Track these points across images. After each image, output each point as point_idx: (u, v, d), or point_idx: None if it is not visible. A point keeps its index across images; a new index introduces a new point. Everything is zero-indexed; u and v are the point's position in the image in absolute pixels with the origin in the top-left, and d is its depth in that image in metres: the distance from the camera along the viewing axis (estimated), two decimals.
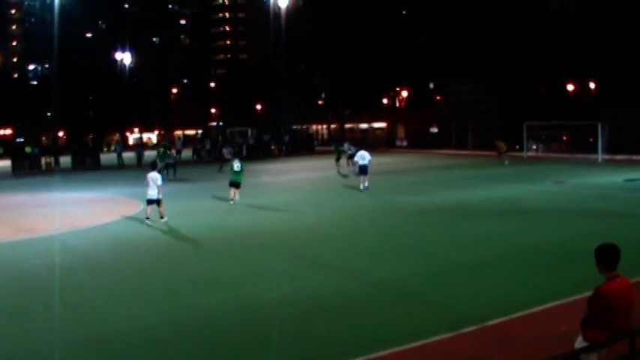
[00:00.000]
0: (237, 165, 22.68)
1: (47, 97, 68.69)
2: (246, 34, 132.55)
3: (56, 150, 51.63)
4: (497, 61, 50.28)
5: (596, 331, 5.50)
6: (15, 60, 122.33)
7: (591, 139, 40.54)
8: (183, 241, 16.29)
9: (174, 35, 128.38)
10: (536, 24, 50.25)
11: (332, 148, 43.65)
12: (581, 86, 54.80)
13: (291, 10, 64.61)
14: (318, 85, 75.09)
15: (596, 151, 38.77)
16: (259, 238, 16.13)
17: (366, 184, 25.29)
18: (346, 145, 37.57)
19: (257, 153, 53.96)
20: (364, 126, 78.32)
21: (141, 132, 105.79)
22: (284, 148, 59.77)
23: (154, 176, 18.39)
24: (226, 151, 38.95)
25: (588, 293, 5.73)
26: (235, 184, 22.55)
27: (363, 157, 25.74)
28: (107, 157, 53.73)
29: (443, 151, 52.88)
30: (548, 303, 9.44)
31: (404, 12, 74.77)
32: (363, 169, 25.53)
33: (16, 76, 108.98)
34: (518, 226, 16.73)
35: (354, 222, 18.71)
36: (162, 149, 37.31)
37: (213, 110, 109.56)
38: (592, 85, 53.96)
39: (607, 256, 5.57)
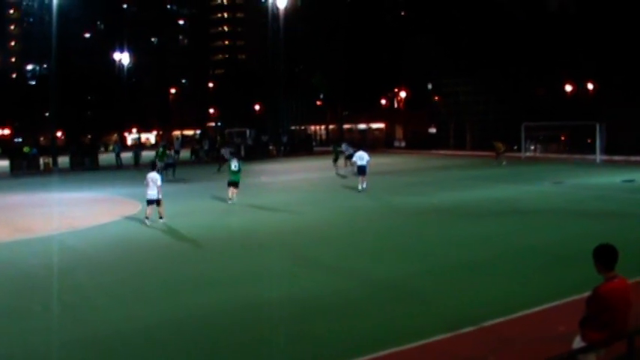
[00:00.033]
0: (234, 164, 22.74)
1: (45, 97, 68.66)
2: (245, 34, 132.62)
3: (54, 150, 51.56)
4: (496, 61, 50.32)
5: (594, 331, 5.52)
6: (13, 60, 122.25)
7: (589, 140, 40.62)
8: (183, 241, 16.30)
9: (173, 35, 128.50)
10: (534, 25, 50.29)
11: (330, 148, 43.60)
12: (580, 87, 54.82)
13: (290, 11, 64.59)
14: (317, 85, 75.11)
15: (594, 152, 38.83)
16: (259, 238, 16.15)
17: (365, 184, 25.30)
18: (344, 146, 37.56)
19: (255, 153, 53.97)
20: (362, 126, 78.36)
21: (139, 132, 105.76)
22: (282, 148, 59.75)
23: (154, 176, 18.42)
24: (225, 151, 38.95)
25: (587, 293, 5.75)
26: (234, 184, 22.62)
27: (361, 157, 25.75)
28: (105, 158, 53.67)
29: (441, 152, 52.91)
30: (546, 303, 9.46)
31: (402, 13, 74.80)
32: (362, 170, 25.54)
33: (14, 76, 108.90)
34: (516, 226, 16.75)
35: (353, 222, 18.73)
36: (161, 149, 37.29)
37: (211, 110, 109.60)
38: (590, 86, 53.98)
39: (605, 256, 5.59)
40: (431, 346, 8.05)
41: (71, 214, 21.36)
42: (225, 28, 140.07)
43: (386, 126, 74.74)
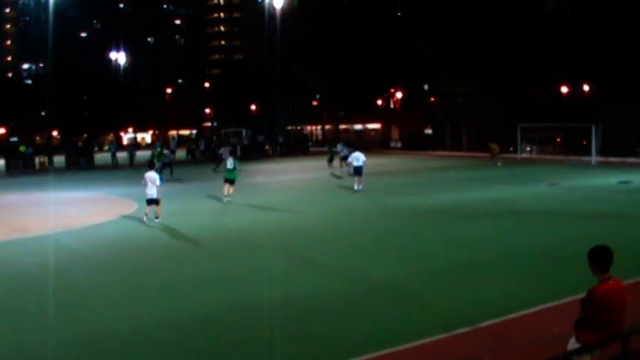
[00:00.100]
0: (230, 162, 23.04)
1: (41, 96, 68.46)
2: (241, 34, 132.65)
3: (50, 149, 51.50)
4: (492, 63, 50.43)
5: (589, 332, 5.53)
6: (9, 59, 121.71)
7: (585, 142, 40.68)
8: (180, 240, 16.28)
9: (169, 35, 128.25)
10: (531, 26, 50.43)
11: (326, 149, 43.61)
12: (576, 88, 54.98)
13: (286, 11, 64.61)
14: (313, 85, 75.14)
15: (589, 153, 38.89)
16: (256, 238, 16.16)
17: (361, 185, 25.31)
18: (339, 147, 37.55)
19: (251, 153, 53.86)
20: (359, 127, 78.30)
21: (135, 132, 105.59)
22: (278, 148, 59.73)
23: (152, 176, 18.37)
24: (225, 151, 38.91)
25: (582, 295, 5.76)
26: (230, 181, 22.79)
27: (357, 158, 25.73)
28: (101, 157, 53.60)
29: (437, 153, 52.93)
30: (541, 305, 9.48)
31: (399, 13, 74.93)
32: (358, 171, 25.53)
33: (10, 75, 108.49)
34: (512, 227, 16.79)
35: (350, 223, 18.74)
36: (158, 148, 37.26)
37: (207, 110, 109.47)
38: (586, 87, 54.16)
39: (600, 258, 5.60)
40: (427, 346, 8.07)
41: (67, 214, 21.32)
42: (222, 28, 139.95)
43: (382, 126, 74.73)
